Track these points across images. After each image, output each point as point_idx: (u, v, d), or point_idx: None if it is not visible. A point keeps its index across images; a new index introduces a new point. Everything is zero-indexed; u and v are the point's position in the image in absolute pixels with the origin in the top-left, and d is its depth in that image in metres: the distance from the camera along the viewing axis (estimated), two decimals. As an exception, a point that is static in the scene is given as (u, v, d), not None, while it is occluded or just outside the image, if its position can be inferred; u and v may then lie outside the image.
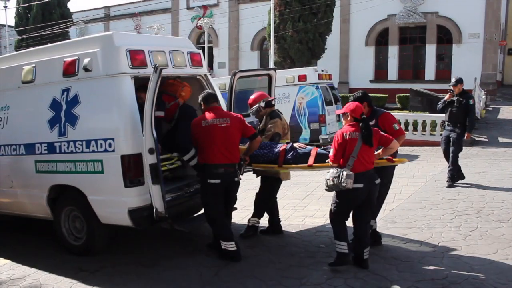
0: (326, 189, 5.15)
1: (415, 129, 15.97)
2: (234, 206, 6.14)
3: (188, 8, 34.87)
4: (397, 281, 4.88)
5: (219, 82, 13.40)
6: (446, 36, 26.35)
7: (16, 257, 6.24)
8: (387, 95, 23.45)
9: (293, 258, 5.66)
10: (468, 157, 12.32)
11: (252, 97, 6.49)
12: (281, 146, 5.99)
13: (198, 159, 5.81)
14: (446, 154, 9.28)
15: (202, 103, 5.76)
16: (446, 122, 9.19)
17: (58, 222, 6.19)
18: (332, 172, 5.04)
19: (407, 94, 21.22)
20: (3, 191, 6.69)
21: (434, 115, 16.22)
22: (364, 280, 4.92)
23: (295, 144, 6.04)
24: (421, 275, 4.97)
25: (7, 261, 6.17)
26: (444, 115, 9.35)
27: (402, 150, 14.80)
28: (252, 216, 6.57)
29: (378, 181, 5.24)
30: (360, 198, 5.15)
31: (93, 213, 5.72)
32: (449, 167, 9.02)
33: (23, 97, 6.33)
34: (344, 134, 5.10)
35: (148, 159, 5.21)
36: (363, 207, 5.25)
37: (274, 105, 6.54)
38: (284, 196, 8.80)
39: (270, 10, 23.22)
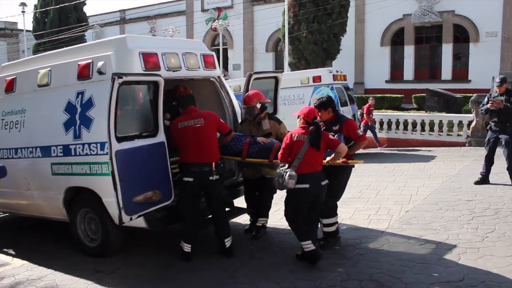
0: (277, 188, 5.39)
1: (431, 129, 15.83)
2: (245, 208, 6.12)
3: (203, 10, 35.03)
4: (412, 283, 4.82)
5: (234, 83, 13.45)
6: (463, 35, 26.03)
7: (33, 258, 6.33)
8: (403, 95, 23.27)
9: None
10: (486, 158, 12.14)
11: (249, 94, 6.39)
12: (246, 140, 6.11)
13: (178, 159, 5.88)
14: (489, 157, 8.81)
15: (179, 107, 5.89)
16: (492, 123, 8.70)
17: (74, 223, 6.26)
18: (278, 172, 5.34)
19: (423, 94, 21.04)
20: (21, 193, 6.78)
21: (451, 115, 16.10)
22: (379, 282, 4.87)
23: (259, 139, 6.11)
24: (437, 277, 4.90)
25: (25, 262, 6.25)
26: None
27: (418, 150, 14.68)
28: (261, 217, 6.60)
29: (325, 182, 5.41)
30: (308, 198, 5.35)
31: (108, 215, 5.76)
32: (508, 168, 8.54)
33: (39, 100, 6.41)
34: (293, 135, 5.38)
35: (110, 166, 5.29)
36: (311, 206, 5.43)
37: (266, 107, 6.53)
38: (299, 197, 8.76)
39: (284, 11, 23.21)
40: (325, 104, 5.85)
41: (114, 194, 5.30)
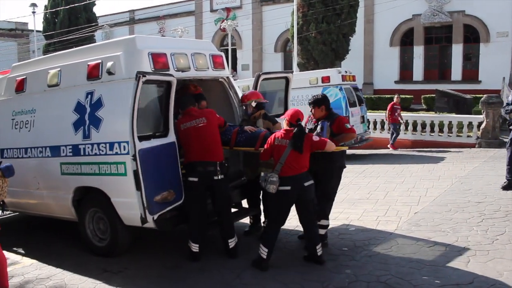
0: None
1: (441, 130, 15.71)
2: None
3: (212, 10, 35.09)
4: (421, 285, 4.78)
5: (243, 84, 13.47)
6: (473, 35, 25.85)
7: (43, 257, 6.38)
8: (412, 96, 23.14)
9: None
10: (496, 159, 12.06)
11: (246, 94, 6.55)
12: (234, 129, 6.20)
13: (184, 159, 5.87)
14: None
15: (179, 109, 5.92)
16: None
17: (83, 223, 6.30)
18: (262, 176, 5.42)
19: (433, 95, 20.92)
20: (30, 192, 6.83)
21: (460, 116, 15.97)
22: (387, 284, 4.84)
23: (246, 127, 6.19)
24: (446, 280, 4.86)
25: (34, 261, 6.31)
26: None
27: (428, 151, 14.59)
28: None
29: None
30: (290, 200, 5.41)
31: (117, 215, 5.79)
32: None
33: (49, 100, 6.46)
34: (276, 138, 5.45)
35: (132, 166, 5.29)
36: (301, 208, 5.51)
37: (264, 107, 6.58)
38: (307, 198, 8.75)
39: (293, 11, 23.17)
40: (319, 101, 5.97)
41: (138, 194, 5.29)
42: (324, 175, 5.85)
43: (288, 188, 5.31)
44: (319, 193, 5.90)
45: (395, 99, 15.95)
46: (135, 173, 5.27)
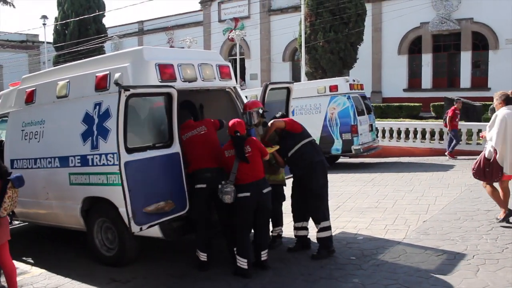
0: None
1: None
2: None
3: (220, 21, 35.29)
4: (429, 294, 4.76)
5: (251, 93, 13.49)
6: (482, 43, 25.74)
7: (51, 267, 6.42)
8: (421, 104, 23.05)
9: (323, 270, 5.60)
10: (506, 167, 11.94)
11: (249, 103, 6.54)
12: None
13: (187, 169, 5.85)
14: None
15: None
16: None
17: (91, 233, 6.33)
18: (219, 188, 5.46)
19: (441, 103, 20.82)
20: (40, 202, 6.89)
21: (469, 124, 15.90)
22: (395, 294, 4.82)
23: None
24: (455, 289, 4.84)
25: (43, 270, 6.35)
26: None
27: (437, 160, 14.51)
28: (275, 226, 6.59)
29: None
30: (250, 206, 5.53)
31: (125, 225, 5.79)
32: None
33: (58, 111, 6.53)
34: (225, 152, 5.65)
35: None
36: (258, 214, 5.60)
37: (265, 116, 6.63)
38: (315, 207, 8.72)
39: (301, 21, 23.26)
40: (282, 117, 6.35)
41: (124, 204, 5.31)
42: (306, 175, 5.99)
43: (248, 194, 5.45)
44: (309, 195, 6.02)
45: (456, 104, 14.80)
46: (122, 184, 5.25)
